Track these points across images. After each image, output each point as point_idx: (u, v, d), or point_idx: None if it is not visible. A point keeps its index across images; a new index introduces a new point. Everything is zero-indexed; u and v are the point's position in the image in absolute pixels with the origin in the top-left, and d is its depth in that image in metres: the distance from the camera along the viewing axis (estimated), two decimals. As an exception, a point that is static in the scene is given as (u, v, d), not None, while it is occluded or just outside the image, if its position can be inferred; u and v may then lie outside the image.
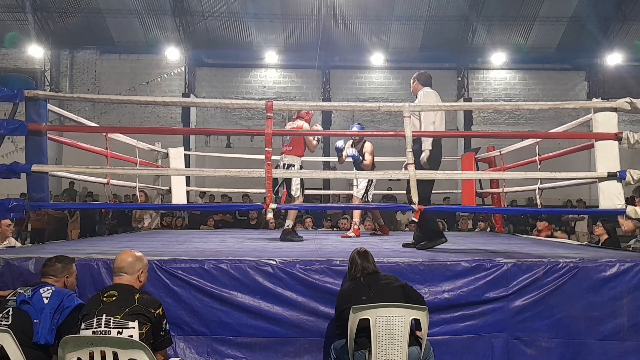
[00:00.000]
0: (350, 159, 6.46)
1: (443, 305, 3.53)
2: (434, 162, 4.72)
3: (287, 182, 5.98)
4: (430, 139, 4.66)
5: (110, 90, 16.70)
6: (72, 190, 15.17)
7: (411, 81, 5.06)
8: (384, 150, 7.57)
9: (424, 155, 4.61)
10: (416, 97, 4.96)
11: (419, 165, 4.56)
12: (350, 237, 6.38)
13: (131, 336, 2.61)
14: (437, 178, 4.48)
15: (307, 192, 6.49)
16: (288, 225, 5.96)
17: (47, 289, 2.92)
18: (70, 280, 3.14)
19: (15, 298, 2.87)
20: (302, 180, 5.94)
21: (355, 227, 6.59)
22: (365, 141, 6.59)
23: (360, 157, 6.45)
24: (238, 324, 3.49)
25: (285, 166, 5.89)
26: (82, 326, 2.68)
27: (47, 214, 11.28)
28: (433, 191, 4.86)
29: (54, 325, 2.82)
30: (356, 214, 6.74)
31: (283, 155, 6.00)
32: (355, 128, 6.55)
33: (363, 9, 15.94)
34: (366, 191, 6.50)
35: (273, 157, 4.37)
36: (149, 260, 3.34)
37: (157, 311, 2.76)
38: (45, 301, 2.85)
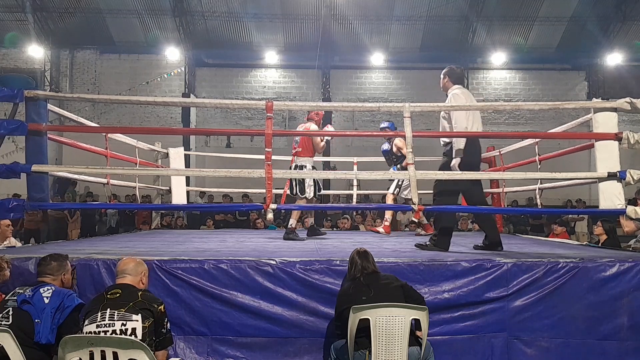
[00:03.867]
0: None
1: (443, 305, 3.53)
2: (469, 166, 4.43)
3: (300, 184, 5.98)
4: (462, 145, 4.44)
5: (110, 90, 16.68)
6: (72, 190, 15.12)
7: (441, 76, 4.77)
8: (384, 150, 7.59)
9: (455, 162, 4.45)
10: (446, 95, 4.71)
11: (447, 167, 4.53)
12: (380, 232, 6.71)
13: (135, 329, 2.67)
14: (437, 178, 4.47)
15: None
16: (291, 225, 5.99)
17: (47, 289, 2.92)
18: (66, 277, 3.15)
19: (15, 298, 2.87)
20: (315, 182, 6.01)
21: (386, 223, 6.85)
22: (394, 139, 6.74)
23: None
24: (238, 324, 3.49)
25: (298, 167, 5.99)
26: (86, 322, 2.72)
27: (44, 214, 11.29)
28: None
29: (54, 324, 2.82)
30: (387, 211, 7.07)
31: (295, 157, 6.06)
32: (384, 125, 6.72)
33: (363, 9, 15.91)
34: (398, 187, 6.73)
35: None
36: (149, 260, 3.38)
37: (160, 307, 2.82)
38: (46, 301, 2.85)
